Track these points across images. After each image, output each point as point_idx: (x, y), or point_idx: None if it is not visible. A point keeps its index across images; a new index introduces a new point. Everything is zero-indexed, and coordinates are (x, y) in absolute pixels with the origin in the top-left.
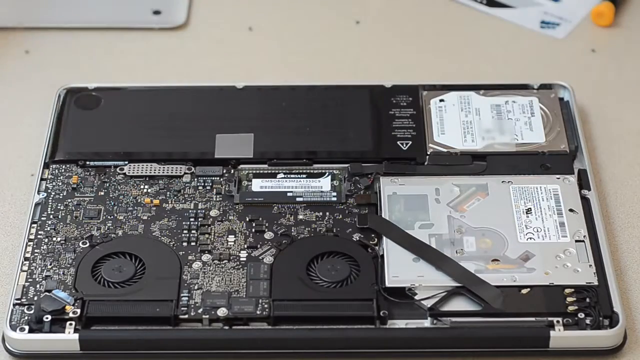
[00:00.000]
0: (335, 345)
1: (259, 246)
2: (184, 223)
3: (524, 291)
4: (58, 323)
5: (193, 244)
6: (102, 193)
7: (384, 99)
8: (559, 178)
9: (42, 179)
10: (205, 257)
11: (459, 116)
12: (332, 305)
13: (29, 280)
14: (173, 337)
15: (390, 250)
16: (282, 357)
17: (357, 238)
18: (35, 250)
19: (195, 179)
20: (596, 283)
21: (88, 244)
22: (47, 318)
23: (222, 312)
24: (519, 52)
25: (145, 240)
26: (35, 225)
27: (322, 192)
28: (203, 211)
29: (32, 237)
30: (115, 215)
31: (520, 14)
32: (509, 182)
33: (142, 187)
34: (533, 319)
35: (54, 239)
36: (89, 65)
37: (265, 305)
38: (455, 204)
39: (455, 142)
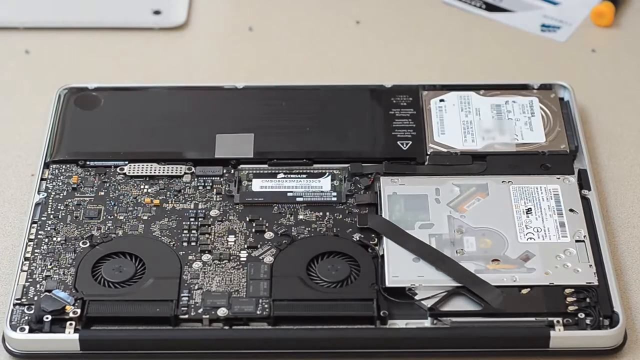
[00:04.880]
0: (335, 345)
1: (259, 246)
2: (184, 223)
3: (524, 291)
4: (58, 323)
5: (193, 244)
6: (102, 193)
7: (384, 99)
8: (559, 178)
9: (42, 179)
10: (206, 257)
11: (459, 116)
12: (332, 305)
13: (29, 280)
14: (173, 337)
15: (390, 250)
16: (282, 357)
17: (357, 238)
18: (36, 250)
19: (195, 179)
20: (596, 283)
21: (88, 244)
22: (47, 318)
23: (222, 312)
24: (519, 53)
25: (146, 240)
26: (35, 225)
27: (322, 192)
28: (203, 211)
29: (32, 237)
30: (116, 215)
31: (520, 18)
32: (509, 182)
33: (142, 187)
34: (533, 319)
35: (54, 239)
36: (89, 65)
37: (266, 305)
38: (455, 204)
39: (455, 142)
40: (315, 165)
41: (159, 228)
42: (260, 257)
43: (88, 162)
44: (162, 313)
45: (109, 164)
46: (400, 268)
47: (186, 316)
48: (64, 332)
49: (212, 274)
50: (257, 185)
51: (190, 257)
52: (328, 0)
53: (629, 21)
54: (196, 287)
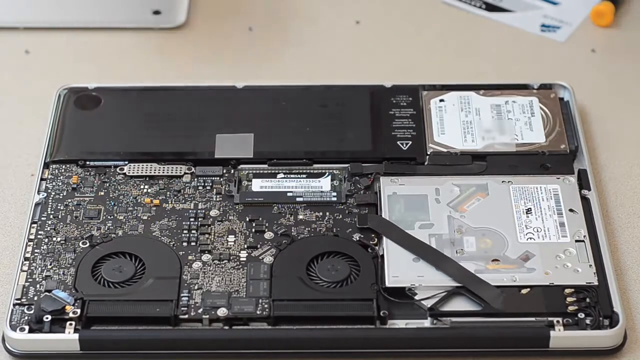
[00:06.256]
0: (335, 345)
1: (259, 246)
2: (184, 223)
3: (524, 291)
4: (58, 323)
5: (193, 244)
6: (102, 193)
7: (384, 99)
8: (559, 178)
9: (42, 179)
10: (205, 257)
11: (459, 116)
12: (332, 305)
13: (29, 280)
14: (173, 337)
15: (390, 250)
16: (282, 357)
17: (357, 238)
18: (35, 250)
19: (195, 179)
20: (596, 283)
21: (88, 244)
22: (47, 318)
23: (222, 312)
24: (519, 53)
25: (145, 240)
26: (35, 225)
27: (322, 192)
28: (203, 211)
29: (32, 237)
30: (115, 215)
31: (520, 18)
32: (509, 182)
33: (142, 187)
34: (533, 319)
35: (54, 239)
36: (89, 65)
37: (265, 305)
38: (455, 204)
39: (455, 142)
40: (315, 165)
41: (158, 228)
42: (260, 257)
43: (88, 162)
44: (162, 313)
45: (108, 164)
46: (400, 268)
47: (186, 316)
48: (63, 332)
49: (212, 274)
50: (257, 185)
51: (190, 257)
52: (328, 0)
53: (629, 21)
54: (196, 287)
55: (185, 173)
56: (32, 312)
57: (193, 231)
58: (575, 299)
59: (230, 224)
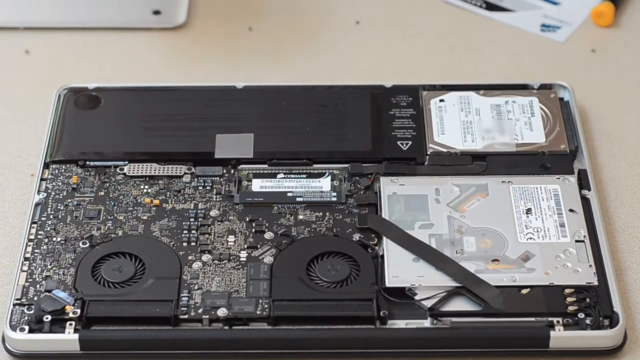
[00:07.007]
0: (335, 345)
1: (259, 246)
2: (184, 223)
3: (524, 291)
4: (58, 323)
5: (193, 244)
6: (102, 193)
7: (384, 99)
8: (559, 178)
9: (42, 179)
10: (205, 257)
11: (459, 116)
12: (332, 305)
13: (29, 280)
14: (173, 337)
15: (390, 250)
16: (282, 357)
17: (357, 238)
18: (35, 250)
19: (195, 179)
20: (596, 283)
21: (88, 244)
22: (47, 318)
23: (222, 312)
24: (519, 53)
25: (145, 240)
26: (35, 225)
27: (322, 192)
28: (203, 211)
29: (32, 237)
30: (115, 215)
31: (520, 18)
32: (509, 182)
33: (142, 187)
34: (533, 319)
35: (54, 239)
36: (89, 65)
37: (265, 305)
38: (455, 204)
39: (455, 142)
40: (315, 165)
41: (158, 228)
42: (260, 257)
43: (88, 162)
44: (162, 313)
45: (108, 164)
46: (400, 268)
47: (186, 316)
48: (63, 332)
49: (212, 274)
50: (257, 185)
51: (190, 257)
52: (328, 0)
53: (629, 21)
54: (196, 287)
55: (185, 173)
56: (32, 312)
57: (193, 231)
58: (575, 299)
59: (230, 224)
